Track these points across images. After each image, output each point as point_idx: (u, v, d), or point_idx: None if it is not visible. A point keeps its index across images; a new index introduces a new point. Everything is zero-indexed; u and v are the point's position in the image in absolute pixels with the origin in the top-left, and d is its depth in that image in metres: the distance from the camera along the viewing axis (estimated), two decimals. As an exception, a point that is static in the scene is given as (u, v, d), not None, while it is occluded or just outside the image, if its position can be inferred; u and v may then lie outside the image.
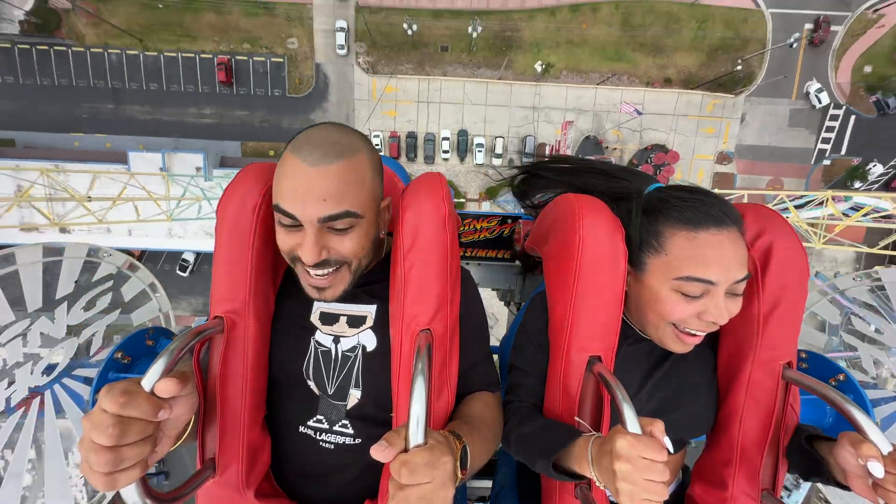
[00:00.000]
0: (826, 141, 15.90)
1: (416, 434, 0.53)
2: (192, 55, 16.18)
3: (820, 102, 15.43)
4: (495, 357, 1.14)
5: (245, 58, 16.21)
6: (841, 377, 1.07)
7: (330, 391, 0.75)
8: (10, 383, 1.02)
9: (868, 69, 15.67)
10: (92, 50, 15.89)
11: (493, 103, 15.77)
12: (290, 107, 16.44)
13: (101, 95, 16.11)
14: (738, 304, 0.70)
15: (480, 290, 1.90)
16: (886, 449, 0.56)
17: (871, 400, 1.08)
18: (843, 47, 15.75)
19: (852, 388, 1.06)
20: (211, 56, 16.14)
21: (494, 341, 1.15)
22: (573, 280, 0.74)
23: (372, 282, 0.81)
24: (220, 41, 16.14)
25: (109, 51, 15.94)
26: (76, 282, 1.18)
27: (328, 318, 0.80)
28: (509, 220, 1.66)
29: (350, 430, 0.76)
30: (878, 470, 0.54)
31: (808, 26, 15.46)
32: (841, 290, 1.21)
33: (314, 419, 0.76)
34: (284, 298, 0.81)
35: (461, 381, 0.79)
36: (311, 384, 0.77)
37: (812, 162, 16.07)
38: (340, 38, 15.53)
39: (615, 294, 0.73)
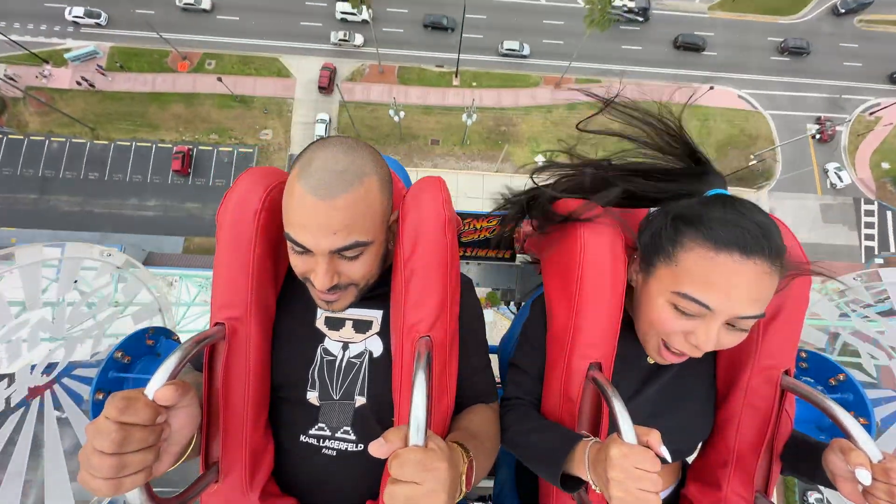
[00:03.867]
0: (870, 238, 18.46)
1: (415, 440, 0.64)
2: (149, 144, 18.65)
3: (841, 181, 18.76)
4: (495, 357, 1.38)
5: (209, 148, 18.73)
6: (841, 377, 1.31)
7: (336, 396, 0.92)
8: (10, 383, 1.23)
9: (886, 165, 19.33)
10: (32, 138, 18.19)
11: (490, 195, 17.72)
12: (252, 198, 18.09)
13: (26, 184, 17.80)
14: (736, 340, 0.79)
15: (480, 289, 2.32)
16: (877, 458, 0.69)
17: (871, 399, 1.29)
18: (852, 145, 19.66)
19: (853, 387, 1.29)
20: (170, 145, 18.57)
21: (494, 341, 1.39)
22: (575, 287, 0.90)
23: (378, 287, 0.96)
24: (184, 131, 18.90)
25: (52, 139, 18.25)
26: (76, 281, 1.42)
27: (334, 323, 0.96)
28: None
29: (352, 437, 0.91)
30: (865, 477, 0.68)
31: (810, 126, 19.48)
32: (842, 290, 1.49)
33: (316, 427, 0.91)
34: (287, 304, 0.97)
35: (459, 391, 0.94)
36: (314, 393, 0.92)
37: (863, 260, 17.98)
38: (320, 129, 18.57)
39: (615, 301, 0.89)
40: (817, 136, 19.31)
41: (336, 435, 0.91)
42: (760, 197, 18.58)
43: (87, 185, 18.20)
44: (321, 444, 0.91)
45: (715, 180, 0.92)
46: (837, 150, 19.60)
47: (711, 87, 19.21)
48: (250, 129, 19.06)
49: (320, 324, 0.96)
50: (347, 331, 0.96)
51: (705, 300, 0.74)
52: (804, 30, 21.12)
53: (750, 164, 18.64)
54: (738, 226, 0.74)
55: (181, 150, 18.32)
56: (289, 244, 0.84)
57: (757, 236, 0.73)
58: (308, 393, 0.92)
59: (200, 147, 18.78)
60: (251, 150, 18.79)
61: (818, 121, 19.57)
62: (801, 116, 19.93)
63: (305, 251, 0.82)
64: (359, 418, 0.92)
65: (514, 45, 19.56)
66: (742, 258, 0.72)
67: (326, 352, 0.94)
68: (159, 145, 18.70)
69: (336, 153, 0.81)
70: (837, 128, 19.56)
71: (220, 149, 18.81)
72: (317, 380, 0.92)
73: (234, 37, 19.90)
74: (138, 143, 18.69)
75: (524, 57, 19.78)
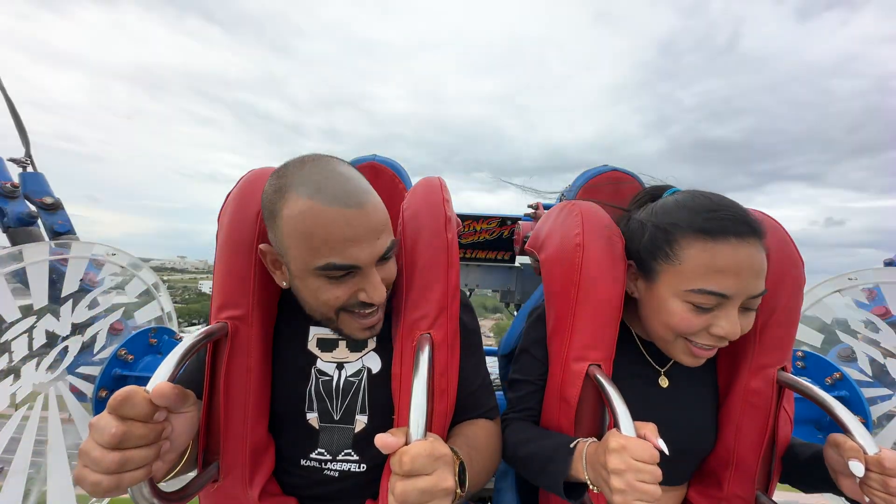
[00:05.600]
0: None
1: (416, 432, 0.67)
2: None
3: None
4: (494, 359, 1.48)
5: None
6: (837, 375, 1.41)
7: (336, 417, 0.94)
8: (16, 379, 1.29)
9: None
10: None
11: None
12: None
13: None
14: (751, 320, 0.86)
15: (481, 290, 2.42)
16: (872, 450, 0.73)
17: (867, 398, 1.38)
18: None
19: (849, 386, 1.38)
20: None
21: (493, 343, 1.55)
22: (574, 288, 0.94)
23: None
24: None
25: None
26: (81, 280, 1.49)
27: (327, 344, 0.98)
28: (509, 222, 2.15)
29: (354, 457, 0.94)
30: (858, 469, 0.72)
31: None
32: (837, 290, 1.54)
33: (316, 451, 0.94)
34: (281, 326, 0.99)
35: (458, 407, 0.96)
36: (313, 416, 0.94)
37: None
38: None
39: (615, 302, 0.92)
40: None
41: (338, 458, 0.94)
42: None
43: None
44: (323, 466, 0.95)
45: (665, 186, 1.02)
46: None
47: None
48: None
49: (312, 346, 0.99)
50: (341, 351, 0.98)
51: (720, 289, 0.80)
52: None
53: None
54: (721, 214, 0.82)
55: None
56: (323, 279, 0.81)
57: (739, 220, 0.81)
58: (307, 415, 0.95)
59: None
60: None
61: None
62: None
63: (350, 272, 0.81)
64: (360, 440, 0.94)
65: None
66: (738, 241, 0.79)
67: (321, 373, 0.96)
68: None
69: (332, 165, 0.82)
70: None
71: None
72: (315, 401, 0.95)
73: None
74: None
75: None
